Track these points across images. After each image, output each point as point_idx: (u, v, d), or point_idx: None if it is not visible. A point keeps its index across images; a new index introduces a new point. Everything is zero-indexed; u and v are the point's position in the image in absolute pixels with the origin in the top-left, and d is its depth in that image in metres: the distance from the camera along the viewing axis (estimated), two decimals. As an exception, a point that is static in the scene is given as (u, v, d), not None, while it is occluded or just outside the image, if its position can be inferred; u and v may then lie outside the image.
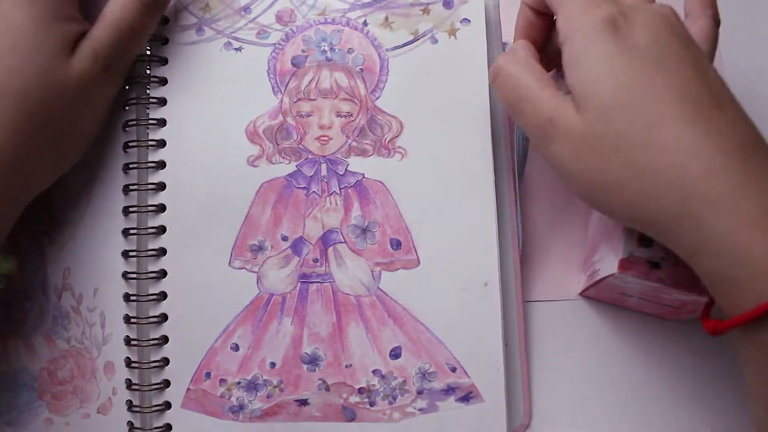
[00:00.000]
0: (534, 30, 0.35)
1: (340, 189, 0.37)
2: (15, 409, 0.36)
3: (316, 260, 0.36)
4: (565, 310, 0.41)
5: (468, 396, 0.35)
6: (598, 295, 0.40)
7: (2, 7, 0.32)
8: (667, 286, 0.34)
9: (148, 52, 0.37)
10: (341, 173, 0.37)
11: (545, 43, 0.36)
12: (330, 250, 0.36)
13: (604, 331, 0.40)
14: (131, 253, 0.36)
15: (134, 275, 0.36)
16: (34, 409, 0.36)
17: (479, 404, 0.35)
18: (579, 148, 0.29)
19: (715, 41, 0.33)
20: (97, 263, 0.36)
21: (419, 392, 0.35)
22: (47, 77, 0.32)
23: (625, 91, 0.28)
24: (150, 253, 0.36)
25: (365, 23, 0.38)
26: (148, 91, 0.37)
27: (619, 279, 0.35)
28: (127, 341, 0.36)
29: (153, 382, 0.35)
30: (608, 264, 0.36)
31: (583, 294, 0.41)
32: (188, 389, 0.35)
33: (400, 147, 0.37)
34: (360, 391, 0.35)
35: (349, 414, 0.35)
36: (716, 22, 0.33)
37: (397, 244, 0.36)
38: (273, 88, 0.37)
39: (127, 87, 0.37)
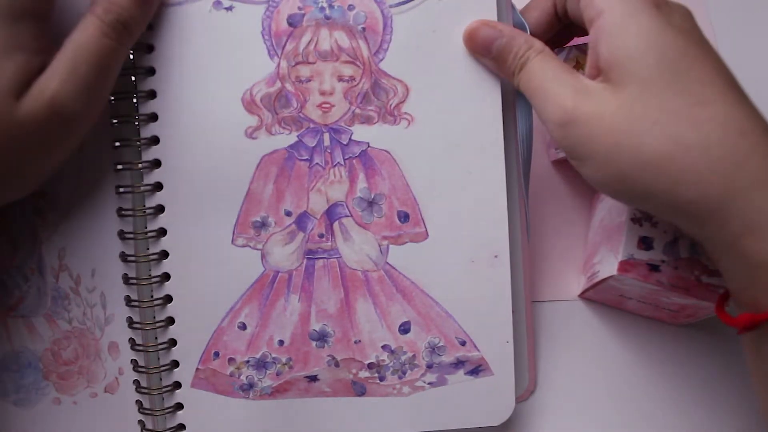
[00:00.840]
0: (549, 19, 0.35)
1: (344, 160, 0.35)
2: (22, 389, 0.36)
3: (321, 235, 0.35)
4: (565, 311, 0.41)
5: (477, 369, 0.35)
6: (597, 296, 0.40)
7: None
8: (666, 290, 0.34)
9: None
10: (345, 143, 0.35)
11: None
12: (336, 224, 0.35)
13: (603, 332, 0.41)
14: (128, 234, 0.34)
15: (133, 257, 0.34)
16: (41, 389, 0.36)
17: (488, 377, 0.35)
18: (613, 126, 0.28)
19: None
20: (93, 244, 0.35)
21: (429, 366, 0.35)
22: None
23: (673, 65, 0.27)
24: (150, 234, 0.34)
25: (366, -25, 0.35)
26: (132, 59, 0.34)
27: (618, 281, 0.35)
28: (130, 323, 0.35)
29: (162, 363, 0.35)
30: (608, 266, 0.35)
31: (583, 295, 0.41)
32: (197, 369, 0.35)
33: (406, 113, 0.35)
34: (369, 366, 0.35)
35: (359, 389, 0.36)
36: None
37: (404, 217, 0.35)
38: (269, 51, 0.34)
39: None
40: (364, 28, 0.34)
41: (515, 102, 0.36)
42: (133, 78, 0.34)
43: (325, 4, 0.34)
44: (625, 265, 0.34)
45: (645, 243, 0.34)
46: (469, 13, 0.34)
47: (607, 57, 0.29)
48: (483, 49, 0.33)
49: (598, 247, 0.38)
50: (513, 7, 0.35)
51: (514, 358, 0.35)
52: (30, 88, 0.28)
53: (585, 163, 0.30)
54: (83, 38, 0.29)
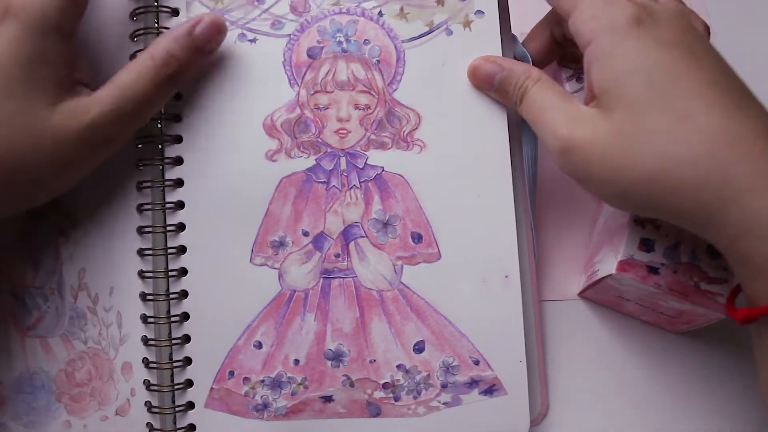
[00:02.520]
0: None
1: (360, 183, 0.36)
2: (33, 411, 0.35)
3: (337, 255, 0.36)
4: (564, 311, 0.41)
5: (491, 389, 0.35)
6: (596, 296, 0.40)
7: None
8: (665, 293, 0.34)
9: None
10: (361, 167, 0.36)
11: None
12: (351, 244, 0.36)
13: (602, 333, 0.41)
14: (147, 252, 0.35)
15: (151, 274, 0.35)
16: (52, 411, 0.35)
17: (502, 397, 0.35)
18: (606, 149, 0.29)
19: None
20: (113, 262, 0.35)
21: (443, 386, 0.35)
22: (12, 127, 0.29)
23: (659, 85, 0.28)
24: (170, 251, 0.35)
25: (380, 14, 0.37)
26: (161, 86, 0.36)
27: (616, 280, 0.36)
28: (145, 341, 0.35)
29: (176, 381, 0.35)
30: (607, 265, 0.36)
31: (582, 295, 0.41)
32: (212, 388, 0.35)
33: (418, 140, 0.37)
34: (384, 386, 0.35)
35: (374, 409, 0.35)
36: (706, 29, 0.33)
37: (418, 238, 0.36)
38: (289, 80, 0.36)
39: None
40: (378, 61, 0.37)
41: (521, 129, 0.38)
42: (160, 103, 0.35)
43: (342, 39, 0.37)
44: (624, 265, 0.35)
45: (646, 245, 0.35)
46: (475, 47, 0.37)
47: (598, 83, 0.30)
48: (486, 84, 0.36)
49: (600, 247, 0.39)
50: (515, 38, 0.38)
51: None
52: (68, 101, 0.30)
53: (587, 185, 0.31)
54: (136, 83, 0.31)
